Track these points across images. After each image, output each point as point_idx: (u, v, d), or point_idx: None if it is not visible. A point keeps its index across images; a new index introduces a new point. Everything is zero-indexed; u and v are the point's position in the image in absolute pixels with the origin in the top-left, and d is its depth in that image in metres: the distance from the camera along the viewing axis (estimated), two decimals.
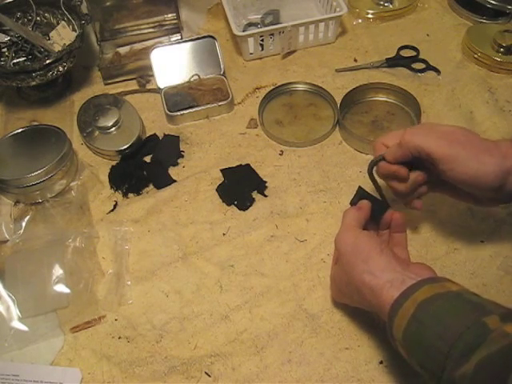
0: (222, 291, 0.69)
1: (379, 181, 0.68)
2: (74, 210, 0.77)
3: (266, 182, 0.80)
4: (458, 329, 0.46)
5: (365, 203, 0.63)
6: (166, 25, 1.00)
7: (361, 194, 0.65)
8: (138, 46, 0.97)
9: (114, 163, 0.83)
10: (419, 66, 0.94)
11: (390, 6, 1.03)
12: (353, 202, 0.65)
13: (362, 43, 0.99)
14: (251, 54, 0.96)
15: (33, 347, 0.66)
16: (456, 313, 0.47)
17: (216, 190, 0.79)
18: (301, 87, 0.91)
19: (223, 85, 0.90)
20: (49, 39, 0.92)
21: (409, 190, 0.65)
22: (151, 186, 0.81)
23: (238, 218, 0.76)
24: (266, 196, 0.79)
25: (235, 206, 0.78)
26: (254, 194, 0.79)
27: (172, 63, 0.91)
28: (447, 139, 0.59)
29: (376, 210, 0.64)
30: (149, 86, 0.94)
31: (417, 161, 0.62)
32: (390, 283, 0.52)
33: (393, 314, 0.50)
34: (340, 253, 0.60)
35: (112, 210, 0.78)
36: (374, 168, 0.67)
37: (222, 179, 0.81)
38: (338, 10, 0.95)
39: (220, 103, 0.87)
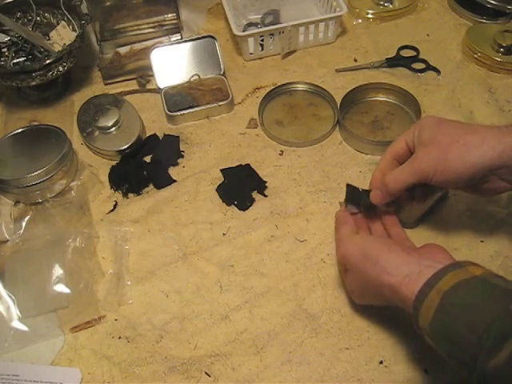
0: (221, 291, 0.69)
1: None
2: (74, 210, 0.77)
3: (265, 181, 0.80)
4: (487, 318, 0.45)
5: (348, 218, 0.65)
6: (166, 25, 1.00)
7: (350, 191, 0.67)
8: (137, 46, 0.97)
9: (113, 163, 0.83)
10: (419, 65, 0.94)
11: (390, 6, 1.02)
12: (346, 201, 0.68)
13: (361, 43, 0.99)
14: (251, 53, 0.96)
15: (33, 347, 0.66)
16: (483, 301, 0.47)
17: (216, 190, 0.79)
18: (301, 87, 0.91)
19: (223, 85, 0.90)
20: (49, 39, 0.92)
21: None
22: (151, 186, 0.81)
23: (237, 217, 0.76)
24: (266, 196, 0.79)
25: (235, 205, 0.78)
26: (254, 194, 0.79)
27: (172, 63, 0.91)
28: (437, 168, 0.59)
29: (366, 200, 0.66)
30: (149, 86, 0.94)
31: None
32: (407, 278, 0.52)
33: (418, 305, 0.50)
34: (350, 264, 0.60)
35: (112, 210, 0.78)
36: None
37: (222, 179, 0.81)
38: (338, 10, 0.95)
39: (220, 103, 0.87)
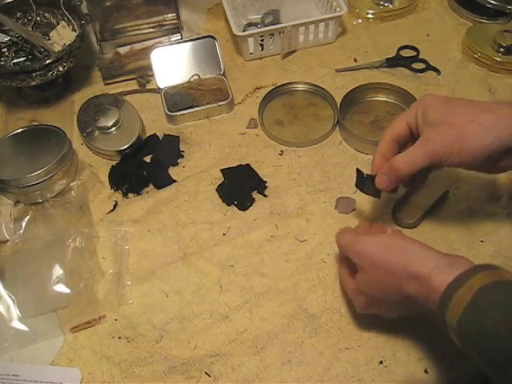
0: (221, 291, 0.70)
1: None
2: (74, 210, 0.77)
3: (265, 181, 0.80)
4: None
5: (347, 229, 0.65)
6: (166, 25, 1.00)
7: (357, 176, 0.68)
8: (137, 46, 0.97)
9: (114, 163, 0.83)
10: (419, 65, 0.94)
11: (390, 6, 1.03)
12: (356, 184, 0.69)
13: (362, 43, 0.99)
14: (251, 54, 0.96)
15: (33, 347, 0.66)
16: None
17: (216, 190, 0.79)
18: (301, 87, 0.91)
19: (223, 85, 0.90)
20: (49, 39, 0.92)
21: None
22: (151, 186, 0.81)
23: (238, 217, 0.76)
24: (266, 196, 0.79)
25: (235, 206, 0.78)
26: (254, 194, 0.79)
27: (172, 63, 0.91)
28: (450, 148, 0.57)
29: (370, 186, 0.66)
30: (149, 86, 0.94)
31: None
32: (437, 268, 0.51)
33: (446, 299, 0.48)
34: (366, 261, 0.57)
35: (112, 210, 0.78)
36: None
37: (222, 179, 0.81)
38: (338, 10, 0.95)
39: (220, 103, 0.87)
